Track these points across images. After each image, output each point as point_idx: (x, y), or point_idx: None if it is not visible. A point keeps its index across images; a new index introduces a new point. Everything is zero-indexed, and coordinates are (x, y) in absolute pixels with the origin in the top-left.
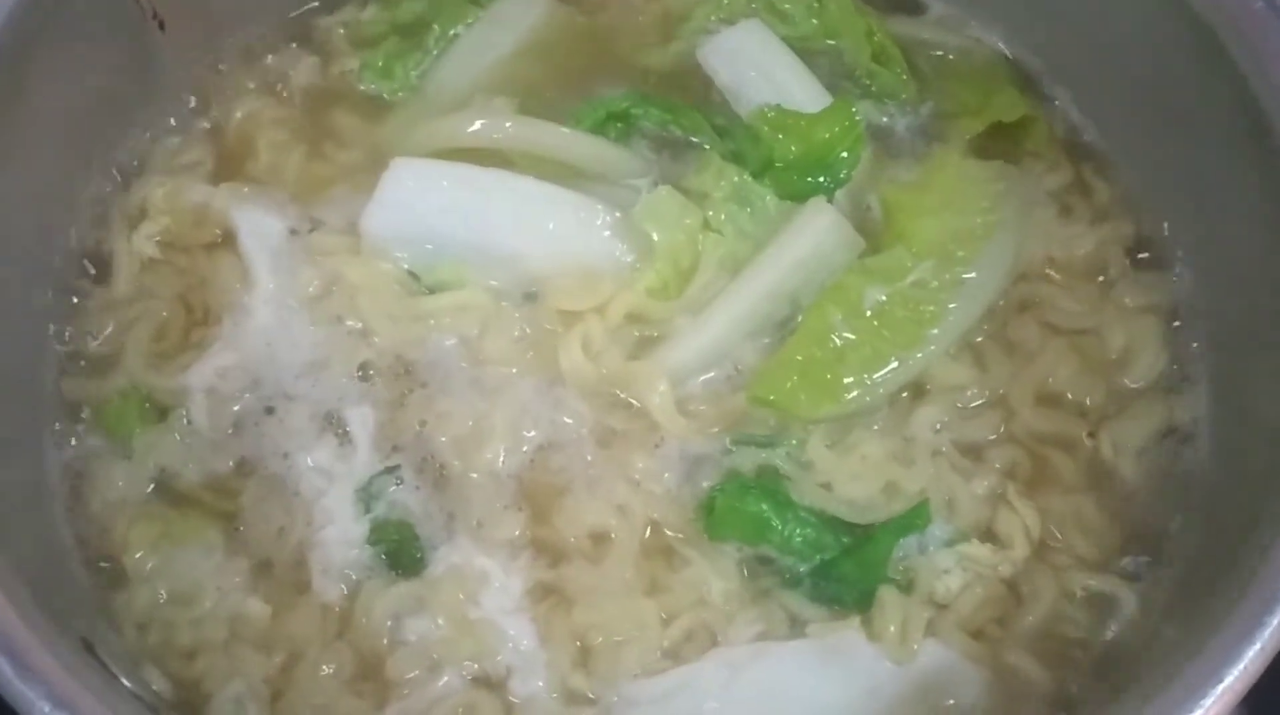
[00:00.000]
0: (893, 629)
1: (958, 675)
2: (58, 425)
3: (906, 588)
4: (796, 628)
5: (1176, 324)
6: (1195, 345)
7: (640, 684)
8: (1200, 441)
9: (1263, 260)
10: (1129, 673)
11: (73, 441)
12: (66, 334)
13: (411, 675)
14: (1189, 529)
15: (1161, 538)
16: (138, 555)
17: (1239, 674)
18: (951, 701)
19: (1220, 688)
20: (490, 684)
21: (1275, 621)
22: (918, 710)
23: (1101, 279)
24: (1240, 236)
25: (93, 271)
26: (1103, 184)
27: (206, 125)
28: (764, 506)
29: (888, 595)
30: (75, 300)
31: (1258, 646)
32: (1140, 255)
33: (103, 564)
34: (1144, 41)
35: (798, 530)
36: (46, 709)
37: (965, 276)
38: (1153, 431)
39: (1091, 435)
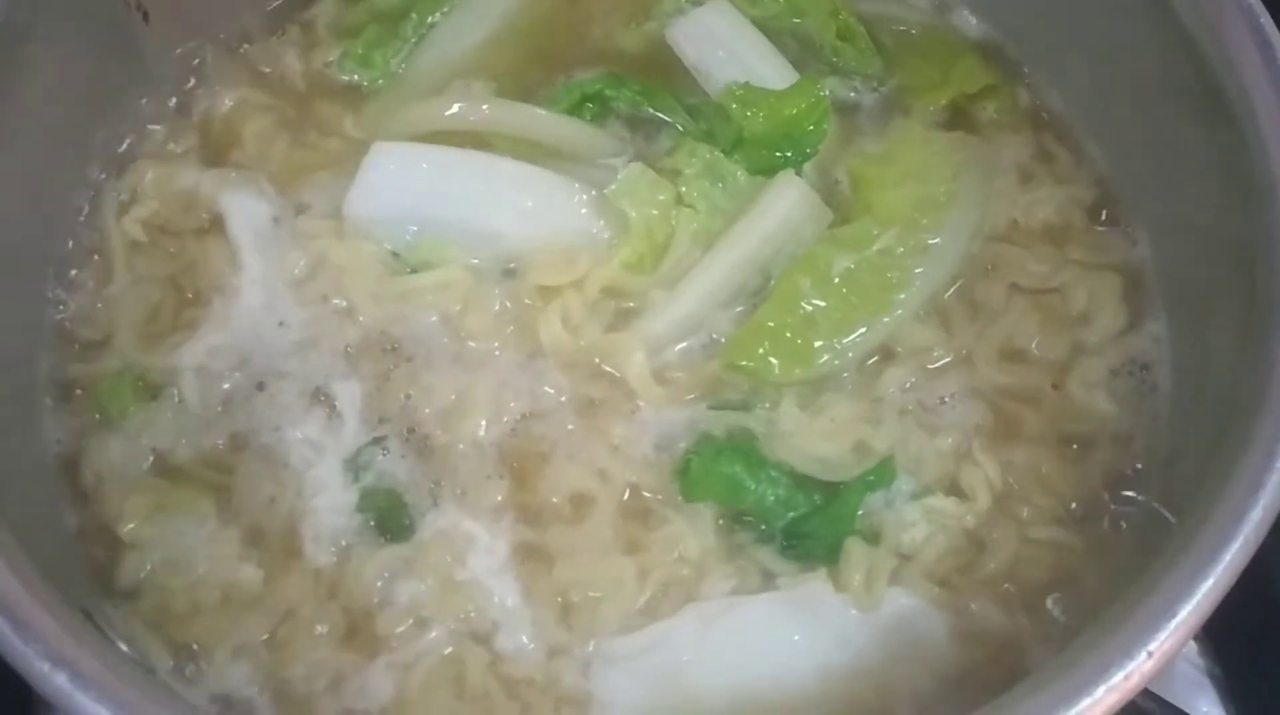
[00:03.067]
0: (858, 579)
1: (922, 622)
2: (53, 404)
3: (873, 540)
4: (768, 582)
5: (1137, 281)
6: (1154, 302)
7: (618, 640)
8: (1160, 394)
9: (1216, 216)
10: (1086, 614)
11: (68, 420)
12: (60, 316)
13: (401, 630)
14: (1147, 476)
15: (1119, 484)
16: (131, 526)
17: (1192, 608)
18: (917, 647)
19: (1174, 622)
20: (477, 638)
21: (1227, 559)
22: (884, 656)
23: (1063, 240)
24: (1195, 195)
25: (85, 255)
26: (1063, 150)
27: (193, 114)
28: (738, 468)
29: (854, 546)
30: (68, 282)
31: (1210, 581)
32: (1101, 216)
33: (99, 536)
34: (1102, 10)
35: (770, 490)
36: (45, 668)
37: (930, 242)
38: (1114, 384)
39: (1055, 386)
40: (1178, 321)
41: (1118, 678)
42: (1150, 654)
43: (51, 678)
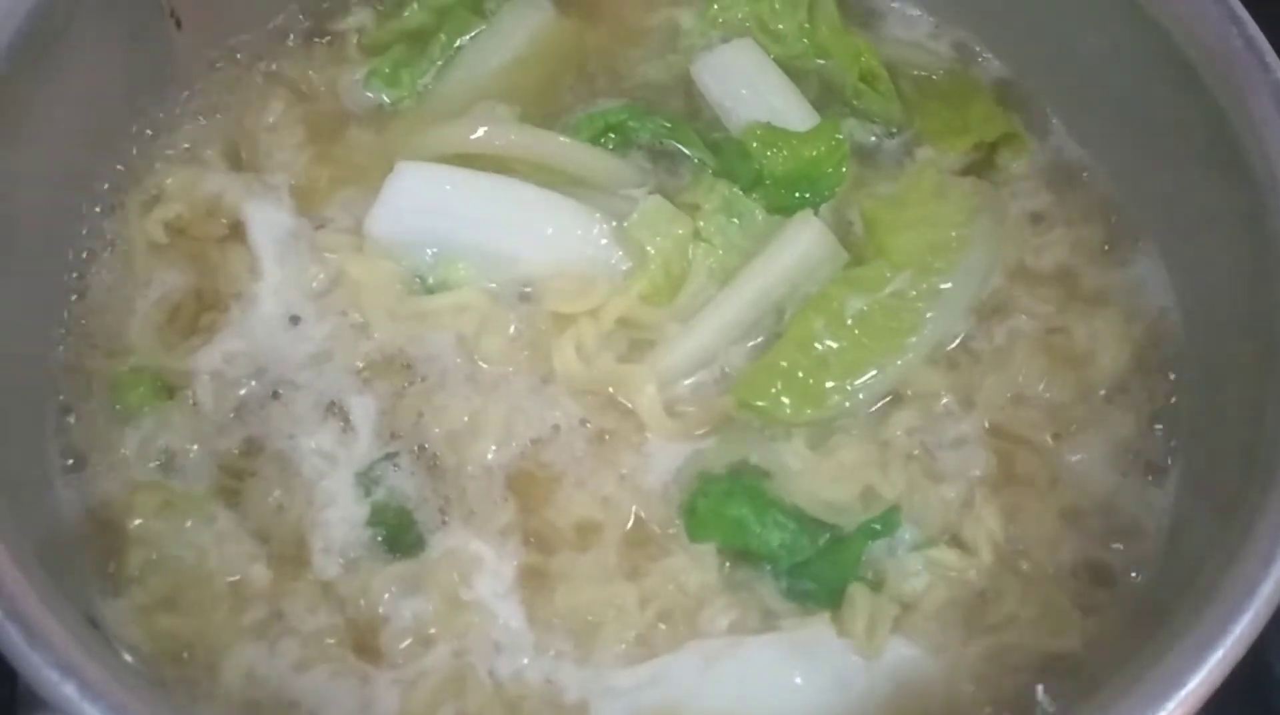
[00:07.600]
0: (861, 625)
1: (923, 672)
2: (66, 400)
3: (876, 587)
4: (768, 620)
5: (1147, 331)
6: (1164, 354)
7: (619, 674)
8: (1164, 451)
9: (1230, 268)
10: (1092, 678)
11: (81, 417)
12: (80, 311)
13: (404, 646)
14: (1153, 537)
15: (1127, 543)
16: (139, 521)
17: (1201, 680)
18: (915, 697)
19: (1183, 693)
20: (479, 659)
21: (1238, 631)
22: (884, 704)
23: (1070, 282)
24: (1212, 249)
25: (106, 252)
26: (1077, 196)
27: (220, 121)
28: (745, 510)
29: (858, 593)
30: (88, 278)
31: (1220, 653)
32: (1112, 261)
33: (106, 533)
34: (1127, 68)
35: (776, 534)
36: (55, 677)
37: (942, 286)
38: (1118, 437)
39: (1057, 436)
40: (1188, 377)
41: None
42: None
43: (60, 686)
